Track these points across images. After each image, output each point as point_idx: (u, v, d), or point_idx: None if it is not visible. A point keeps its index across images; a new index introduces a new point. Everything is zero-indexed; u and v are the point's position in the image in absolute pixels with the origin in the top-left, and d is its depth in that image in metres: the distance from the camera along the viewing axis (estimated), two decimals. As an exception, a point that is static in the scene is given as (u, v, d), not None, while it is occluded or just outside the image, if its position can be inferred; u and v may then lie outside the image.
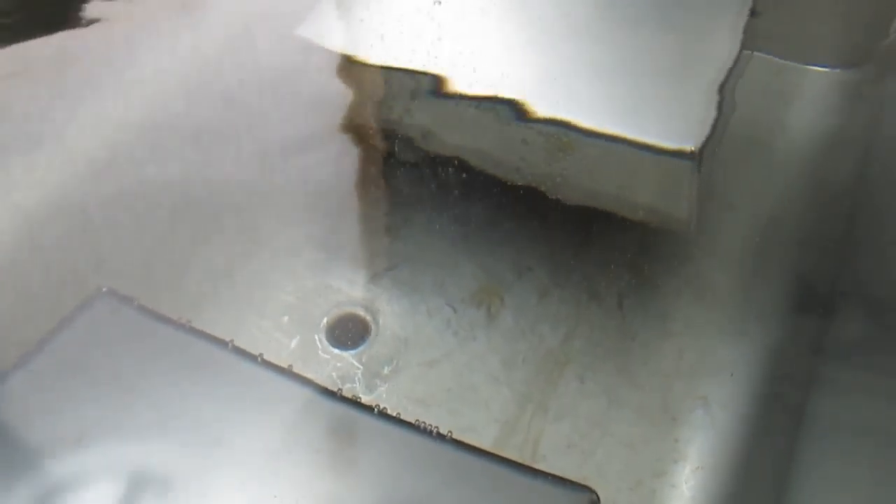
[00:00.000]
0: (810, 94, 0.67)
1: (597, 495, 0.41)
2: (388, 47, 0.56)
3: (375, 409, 0.43)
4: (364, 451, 0.41)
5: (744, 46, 0.55)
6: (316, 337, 0.54)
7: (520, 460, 0.50)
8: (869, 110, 0.56)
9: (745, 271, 0.59)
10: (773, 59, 0.68)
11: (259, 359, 0.42)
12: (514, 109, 0.52)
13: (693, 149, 0.49)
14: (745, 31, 0.55)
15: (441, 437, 0.42)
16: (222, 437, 0.39)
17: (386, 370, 0.54)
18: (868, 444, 0.48)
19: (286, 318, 0.54)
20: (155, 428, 0.38)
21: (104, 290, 0.43)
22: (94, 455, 0.37)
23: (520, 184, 0.55)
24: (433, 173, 0.59)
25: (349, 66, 0.55)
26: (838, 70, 0.68)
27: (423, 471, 0.40)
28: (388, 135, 0.58)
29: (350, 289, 0.56)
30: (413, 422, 0.42)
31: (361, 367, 0.54)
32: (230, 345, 0.42)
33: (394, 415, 0.47)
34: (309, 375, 0.51)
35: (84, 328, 0.41)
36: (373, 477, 0.39)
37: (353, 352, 0.55)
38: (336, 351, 0.54)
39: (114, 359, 0.40)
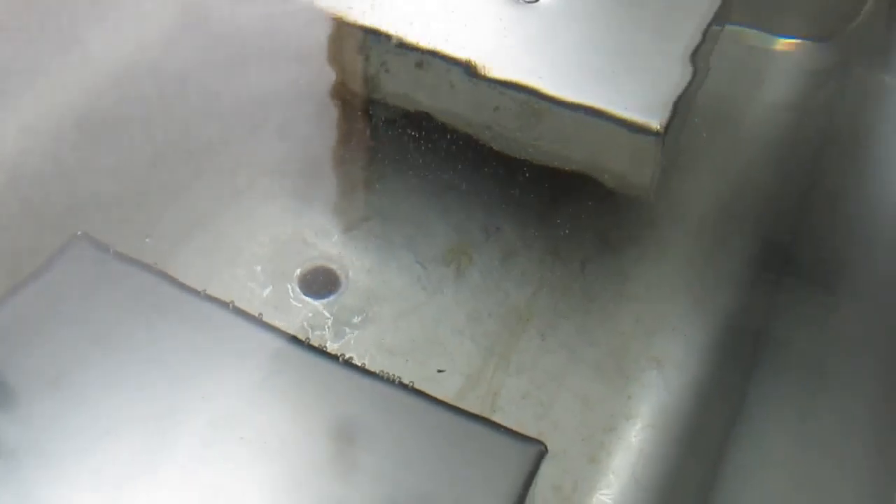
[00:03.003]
0: (778, 71, 0.69)
1: (545, 447, 0.43)
2: (371, 8, 0.56)
3: (340, 358, 0.45)
4: (326, 396, 0.43)
5: (715, 19, 0.56)
6: (288, 286, 0.56)
7: (480, 410, 0.53)
8: (832, 90, 0.58)
9: (705, 239, 0.61)
10: (745, 29, 0.69)
11: (231, 306, 0.44)
12: (489, 76, 0.53)
13: (657, 125, 0.51)
14: (717, 6, 0.56)
15: (402, 386, 0.44)
16: (192, 380, 0.41)
17: (356, 319, 0.56)
18: (813, 406, 0.51)
19: (259, 267, 0.56)
20: (128, 370, 0.40)
21: (79, 233, 0.44)
22: (70, 395, 0.39)
23: (493, 147, 0.56)
24: (409, 132, 0.60)
25: (332, 24, 0.55)
26: (807, 45, 0.69)
27: (379, 416, 0.41)
28: (366, 92, 0.58)
29: (323, 241, 0.58)
30: (376, 371, 0.44)
31: (332, 318, 0.56)
32: (203, 293, 0.44)
33: (358, 364, 0.50)
34: (280, 323, 0.53)
35: (60, 273, 0.43)
36: (331, 419, 0.41)
37: (324, 300, 0.57)
38: (307, 299, 0.56)
39: (89, 303, 0.42)
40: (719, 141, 0.65)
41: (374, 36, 0.55)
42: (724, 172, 0.63)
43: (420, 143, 0.60)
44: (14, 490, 0.37)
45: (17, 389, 0.39)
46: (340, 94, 0.60)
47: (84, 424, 0.39)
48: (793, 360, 0.52)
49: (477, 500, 0.40)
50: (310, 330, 0.55)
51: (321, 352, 0.45)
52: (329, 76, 0.59)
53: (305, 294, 0.56)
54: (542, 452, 0.43)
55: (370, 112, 0.59)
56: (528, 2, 0.59)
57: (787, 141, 0.64)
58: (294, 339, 0.45)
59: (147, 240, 0.54)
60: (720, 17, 0.56)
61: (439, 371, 0.53)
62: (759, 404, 0.51)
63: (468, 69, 0.53)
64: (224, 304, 0.44)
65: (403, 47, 0.55)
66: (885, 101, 0.46)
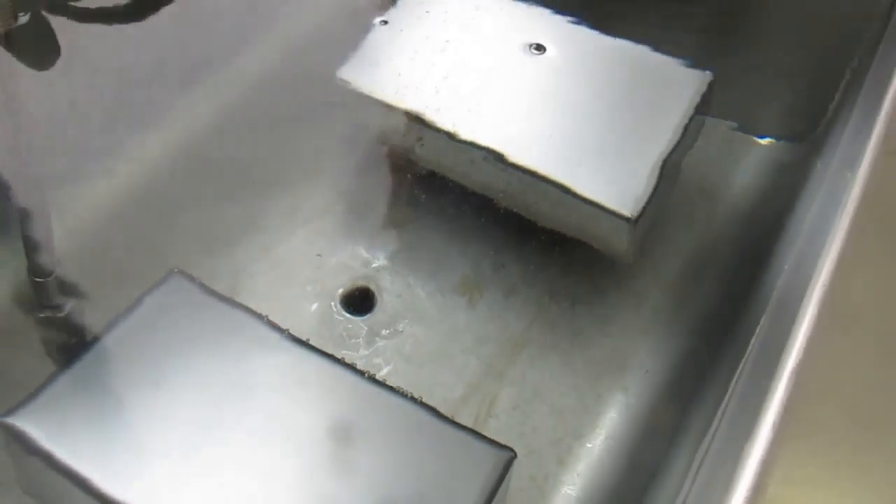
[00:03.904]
0: (754, 160, 0.80)
1: (515, 454, 0.51)
2: (412, 93, 0.68)
3: (366, 374, 0.55)
4: (351, 405, 0.53)
5: (696, 113, 0.65)
6: (332, 303, 0.69)
7: (478, 414, 0.65)
8: (794, 180, 0.67)
9: (676, 293, 0.72)
10: (728, 124, 0.81)
11: (286, 333, 0.55)
12: (498, 156, 0.65)
13: (630, 213, 0.61)
14: (696, 109, 0.66)
15: (412, 399, 0.53)
16: (250, 389, 0.52)
17: (385, 332, 0.69)
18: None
19: (309, 287, 0.69)
20: (207, 378, 0.52)
21: (175, 271, 0.56)
22: (166, 394, 0.51)
23: (503, 205, 0.68)
24: (438, 187, 0.71)
25: (380, 105, 0.68)
26: (780, 144, 0.81)
27: (388, 424, 0.52)
28: (402, 156, 0.71)
29: (362, 268, 0.71)
30: (394, 386, 0.54)
31: (365, 329, 0.69)
32: (265, 318, 0.55)
33: (381, 375, 0.62)
34: (324, 332, 0.66)
35: (159, 301, 0.54)
36: (352, 425, 0.52)
37: (360, 316, 0.69)
38: (347, 314, 0.69)
39: (180, 326, 0.53)
40: (696, 213, 0.76)
41: (406, 116, 0.67)
42: (697, 240, 0.74)
43: (446, 195, 0.72)
44: (124, 461, 0.49)
45: (127, 389, 0.51)
46: (385, 153, 0.72)
47: (177, 415, 0.51)
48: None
49: (456, 496, 0.50)
50: (347, 339, 0.68)
51: (352, 368, 0.55)
52: (376, 138, 0.72)
53: (345, 310, 0.69)
54: (513, 458, 0.51)
55: (407, 169, 0.72)
56: (536, 53, 0.69)
57: (753, 219, 0.75)
58: (332, 358, 0.55)
59: (223, 264, 0.68)
60: (701, 111, 0.66)
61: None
62: (694, 423, 0.61)
63: (486, 153, 0.64)
64: (281, 329, 0.56)
65: (429, 128, 0.66)
66: (837, 185, 0.54)
